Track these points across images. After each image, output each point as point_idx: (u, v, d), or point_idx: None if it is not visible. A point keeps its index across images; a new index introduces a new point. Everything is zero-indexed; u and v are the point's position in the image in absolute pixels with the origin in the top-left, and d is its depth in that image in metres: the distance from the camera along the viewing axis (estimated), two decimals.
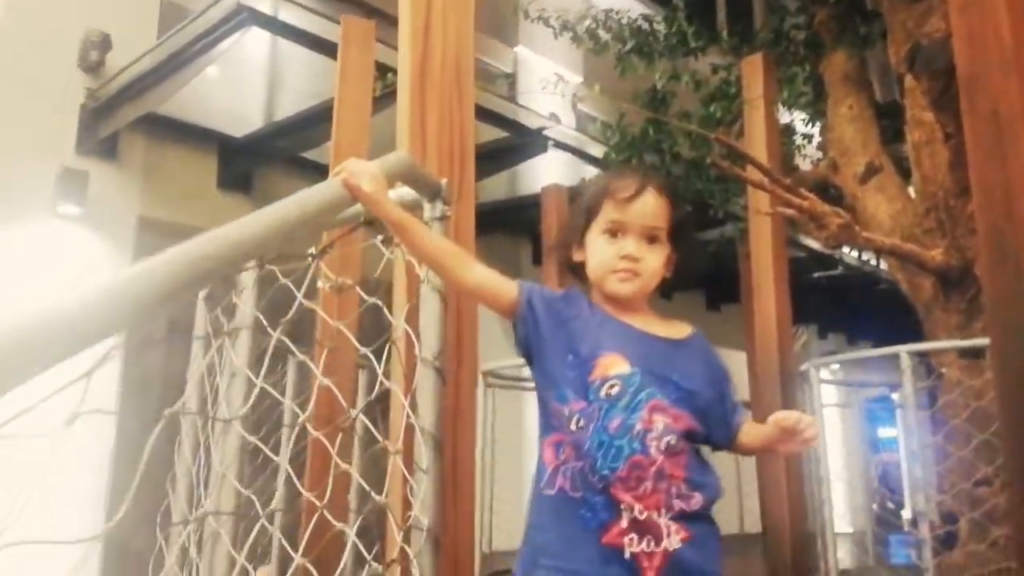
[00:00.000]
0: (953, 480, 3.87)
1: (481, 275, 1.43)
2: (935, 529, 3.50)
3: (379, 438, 1.51)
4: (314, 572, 1.27)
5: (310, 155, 6.14)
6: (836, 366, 12.95)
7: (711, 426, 1.32)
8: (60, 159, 5.30)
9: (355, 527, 1.32)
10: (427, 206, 1.53)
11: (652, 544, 1.19)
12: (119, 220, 5.53)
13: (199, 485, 1.95)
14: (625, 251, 1.33)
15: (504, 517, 5.26)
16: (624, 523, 1.20)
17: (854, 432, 6.47)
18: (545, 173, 7.73)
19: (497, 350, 8.52)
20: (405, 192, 1.46)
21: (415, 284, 1.55)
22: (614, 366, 1.29)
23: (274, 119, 5.97)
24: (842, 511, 6.21)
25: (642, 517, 1.19)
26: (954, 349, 3.92)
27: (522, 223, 7.91)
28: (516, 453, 5.70)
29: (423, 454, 1.42)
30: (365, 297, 1.60)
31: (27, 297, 0.75)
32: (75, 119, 5.44)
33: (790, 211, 3.79)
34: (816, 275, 7.86)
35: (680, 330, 1.42)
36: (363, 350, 1.57)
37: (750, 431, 1.36)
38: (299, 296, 1.34)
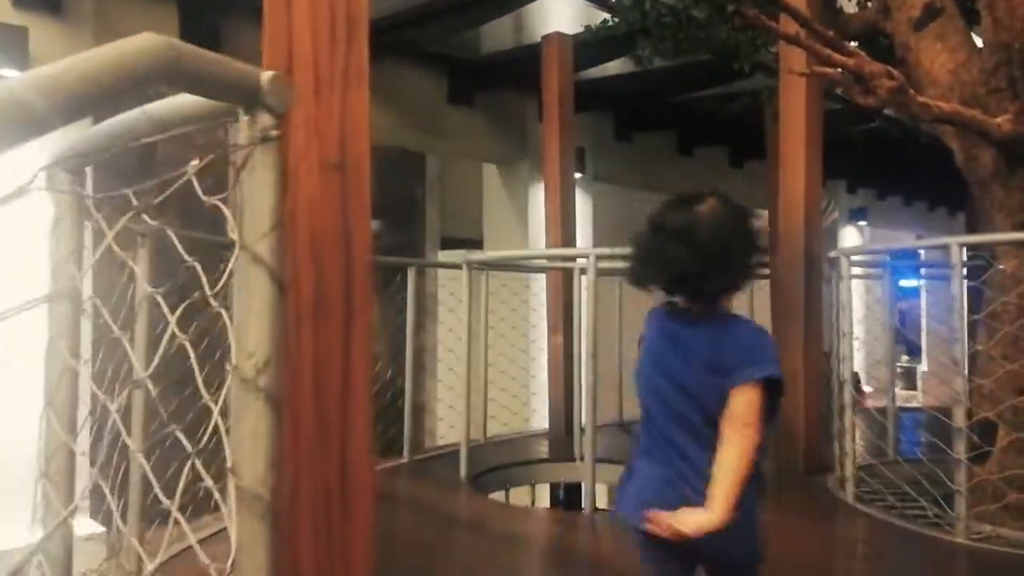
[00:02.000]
0: (992, 388, 3.33)
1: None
2: (974, 448, 3.00)
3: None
4: None
5: None
6: (863, 223, 12.21)
7: None
8: None
9: None
10: (243, 120, 0.90)
11: None
12: None
13: None
14: None
15: (500, 403, 4.89)
16: None
17: (878, 311, 5.90)
18: (556, 18, 6.82)
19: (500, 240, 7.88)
20: (186, 101, 0.84)
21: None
22: None
23: None
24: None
25: None
26: (1013, 241, 3.27)
27: (528, 76, 7.07)
28: (514, 337, 5.26)
29: (243, 425, 0.89)
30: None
31: None
32: None
33: (831, 71, 3.04)
34: (851, 129, 7.00)
35: None
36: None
37: None
38: None
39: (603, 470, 4.30)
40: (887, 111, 7.44)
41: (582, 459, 4.19)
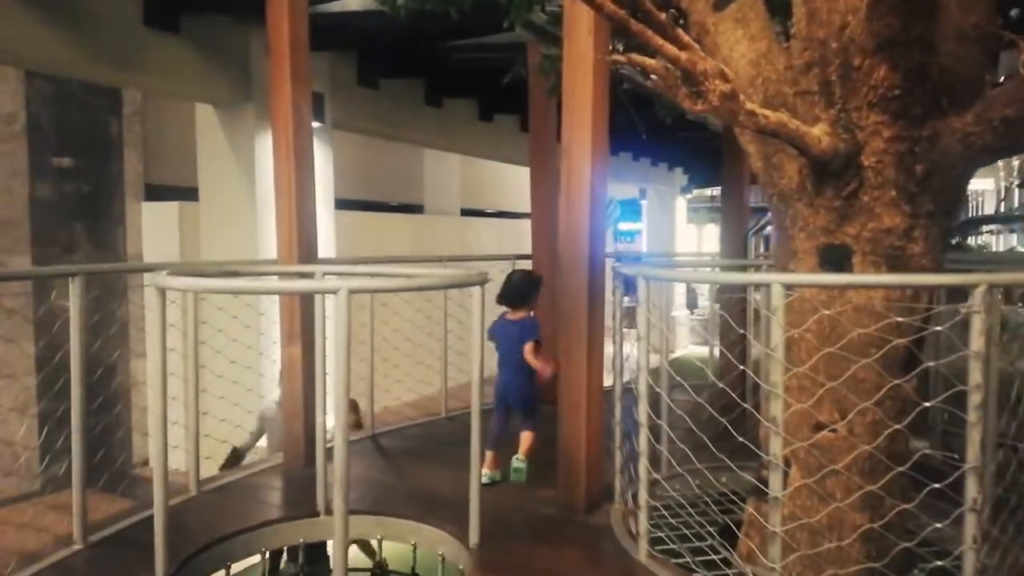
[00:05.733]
0: (789, 420, 2.98)
1: None
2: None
3: None
4: None
5: None
6: None
7: None
8: None
9: None
10: None
11: None
12: None
13: None
14: None
15: (219, 438, 3.75)
16: None
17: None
18: None
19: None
20: None
21: None
22: None
23: None
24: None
25: None
26: (818, 274, 2.87)
27: (251, 2, 5.62)
28: (237, 350, 4.09)
29: None
30: None
31: None
32: None
33: (652, 63, 2.30)
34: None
35: None
36: None
37: None
38: None
39: (357, 524, 3.41)
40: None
41: (328, 512, 3.30)
